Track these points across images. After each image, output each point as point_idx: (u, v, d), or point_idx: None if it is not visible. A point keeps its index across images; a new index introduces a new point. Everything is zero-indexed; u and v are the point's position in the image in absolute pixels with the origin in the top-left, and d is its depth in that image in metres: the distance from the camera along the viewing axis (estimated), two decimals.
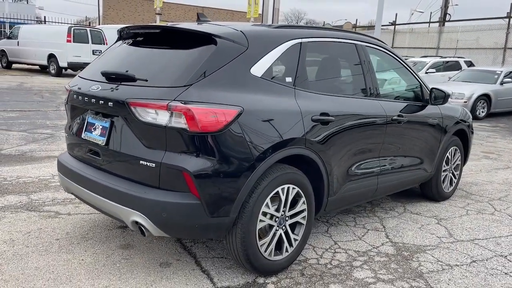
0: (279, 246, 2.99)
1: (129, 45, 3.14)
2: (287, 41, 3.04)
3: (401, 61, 4.12)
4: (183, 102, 2.44)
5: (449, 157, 4.78)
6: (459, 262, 3.35)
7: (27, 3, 69.27)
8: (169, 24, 3.05)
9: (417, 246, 3.61)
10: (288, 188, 2.92)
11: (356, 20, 28.22)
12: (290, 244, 3.04)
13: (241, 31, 2.86)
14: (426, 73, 16.25)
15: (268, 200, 2.80)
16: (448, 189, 4.88)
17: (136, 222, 2.58)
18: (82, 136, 2.99)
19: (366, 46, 3.71)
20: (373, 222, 4.08)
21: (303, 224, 3.11)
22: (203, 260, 3.11)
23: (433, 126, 4.34)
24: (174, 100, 2.45)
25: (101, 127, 2.85)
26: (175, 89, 2.50)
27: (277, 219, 2.90)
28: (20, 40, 19.31)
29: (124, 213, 2.62)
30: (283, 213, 2.94)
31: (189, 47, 2.76)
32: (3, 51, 20.31)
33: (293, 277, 2.98)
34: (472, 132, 5.16)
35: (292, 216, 3.02)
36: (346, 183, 3.42)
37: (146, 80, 2.64)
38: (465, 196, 5.07)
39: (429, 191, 4.76)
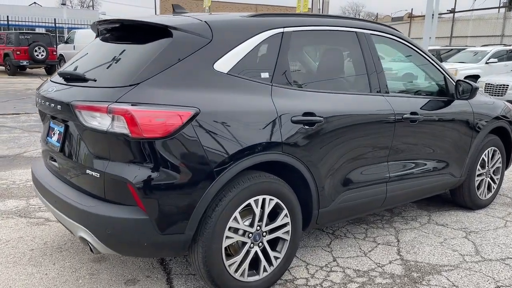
0: (256, 265, 2.63)
1: (100, 41, 2.91)
2: (263, 31, 2.65)
3: (419, 51, 3.57)
4: (125, 103, 2.15)
5: (485, 159, 4.13)
6: (479, 287, 2.81)
7: (93, 9, 72.97)
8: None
9: (432, 265, 3.09)
10: (264, 199, 2.55)
11: (412, 9, 26.71)
12: (270, 263, 2.66)
13: (205, 21, 2.52)
14: (487, 63, 14.95)
15: (236, 213, 2.44)
16: (485, 196, 4.24)
17: (84, 238, 2.33)
18: (46, 142, 2.80)
19: (372, 34, 3.22)
20: (387, 235, 3.58)
21: (287, 240, 2.72)
22: (176, 278, 2.82)
23: (461, 125, 3.74)
24: (116, 101, 2.17)
25: (58, 132, 2.64)
26: (120, 89, 2.21)
27: (250, 234, 2.54)
28: (76, 44, 20.11)
29: (72, 227, 2.38)
30: (258, 228, 2.57)
31: (144, 42, 2.47)
32: (61, 55, 21.29)
33: None
34: None
35: (271, 231, 2.64)
36: (342, 193, 2.98)
37: (95, 80, 2.38)
38: (508, 204, 4.40)
39: (460, 198, 4.15)
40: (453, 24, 22.95)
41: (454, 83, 3.67)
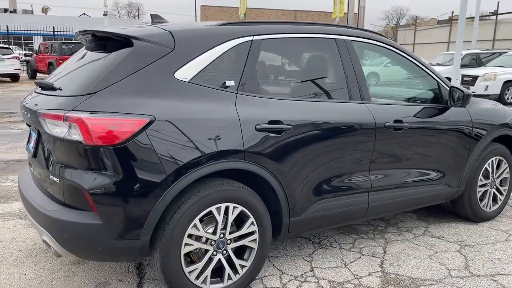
0: (221, 273, 2.63)
1: (82, 50, 3.02)
2: (231, 40, 2.67)
3: (409, 57, 3.46)
4: (80, 112, 2.23)
5: (489, 169, 3.94)
6: None
7: (138, 18, 75.33)
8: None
9: (413, 279, 2.97)
10: (227, 207, 2.55)
11: (452, 12, 25.81)
12: (236, 271, 2.66)
13: (169, 31, 2.56)
14: None
15: (196, 221, 2.46)
16: (489, 208, 4.03)
17: (46, 241, 2.42)
18: (26, 148, 2.94)
19: (353, 41, 3.16)
20: (375, 246, 3.48)
21: (254, 248, 2.71)
22: (147, 282, 2.86)
23: (457, 133, 3.59)
24: (72, 110, 2.25)
25: (33, 138, 2.76)
26: (78, 98, 2.29)
27: (213, 242, 2.55)
28: None
29: (38, 230, 2.48)
30: (222, 235, 2.57)
31: (109, 51, 2.54)
32: None
33: None
34: None
35: (236, 239, 2.64)
36: (316, 202, 2.93)
37: (61, 89, 2.48)
38: None
39: (461, 209, 3.97)
40: (495, 26, 21.97)
41: (448, 90, 3.53)
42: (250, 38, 2.74)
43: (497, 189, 4.08)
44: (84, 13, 58.59)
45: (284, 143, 2.69)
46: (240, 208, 2.60)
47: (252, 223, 2.66)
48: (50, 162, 2.45)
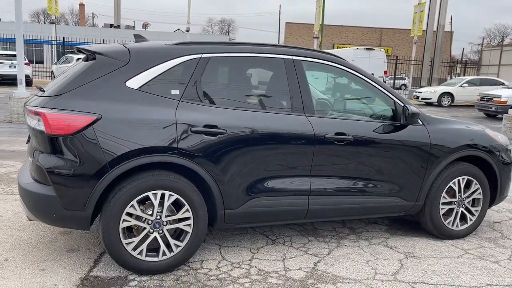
0: (158, 249, 3.17)
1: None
2: (180, 57, 3.24)
3: (363, 77, 3.76)
4: (45, 108, 2.93)
5: (455, 188, 4.04)
6: None
7: (228, 34, 78.65)
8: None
9: (335, 277, 3.27)
10: (163, 194, 3.09)
11: None
12: (170, 250, 3.18)
13: (128, 48, 3.20)
14: None
15: (134, 202, 3.03)
16: (456, 227, 4.10)
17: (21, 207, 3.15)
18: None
19: (302, 60, 3.56)
20: (323, 248, 3.79)
21: (188, 232, 3.21)
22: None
23: (411, 149, 3.78)
24: (41, 107, 2.96)
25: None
26: (48, 98, 3.00)
27: (150, 222, 3.10)
28: None
29: (20, 200, 3.22)
30: (158, 217, 3.11)
31: (84, 63, 3.23)
32: None
33: (163, 279, 3.12)
34: (506, 163, 4.23)
35: (172, 222, 3.17)
36: (252, 199, 3.35)
37: (44, 91, 3.21)
38: (491, 239, 4.17)
39: (425, 225, 4.11)
40: None
41: (402, 108, 3.74)
42: (199, 55, 3.29)
43: (467, 209, 4.15)
44: (178, 29, 62.85)
45: (218, 145, 3.18)
46: (176, 196, 3.12)
47: (187, 210, 3.17)
48: (31, 147, 3.19)
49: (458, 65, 34.38)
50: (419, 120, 3.85)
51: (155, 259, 3.16)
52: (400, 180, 3.81)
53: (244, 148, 3.27)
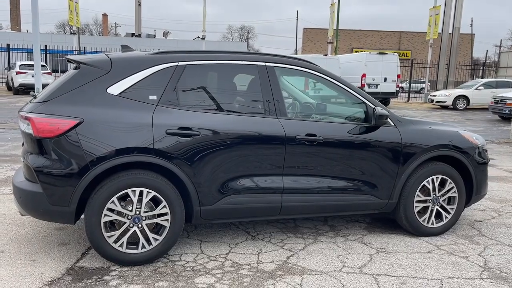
0: (138, 243, 3.44)
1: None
2: (158, 65, 3.53)
3: (334, 81, 3.97)
4: (33, 113, 3.24)
5: (429, 186, 4.19)
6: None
7: (246, 41, 79.05)
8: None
9: (304, 269, 3.47)
10: (142, 191, 3.37)
11: None
12: (149, 243, 3.44)
13: (110, 58, 3.51)
14: None
15: (114, 198, 3.31)
16: (432, 224, 4.25)
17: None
18: None
19: (275, 67, 3.80)
20: (299, 244, 4.00)
21: (166, 226, 3.47)
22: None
23: (383, 150, 3.97)
24: (30, 112, 3.28)
25: None
26: (38, 104, 3.33)
27: (130, 217, 3.38)
28: None
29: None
30: (137, 212, 3.39)
31: (72, 71, 3.55)
32: None
33: (142, 270, 3.38)
34: (481, 163, 4.36)
35: (151, 218, 3.43)
36: (227, 196, 3.59)
37: (35, 97, 3.54)
38: (466, 237, 4.30)
39: (400, 222, 4.27)
40: None
41: (372, 110, 3.93)
42: (175, 63, 3.57)
43: (442, 207, 4.29)
44: (198, 37, 63.83)
45: (192, 146, 3.44)
46: (153, 193, 3.40)
47: (164, 206, 3.44)
48: (24, 149, 3.52)
49: (480, 67, 33.88)
50: (390, 121, 4.03)
51: (135, 251, 3.42)
52: (373, 179, 4.00)
53: (218, 149, 3.52)
